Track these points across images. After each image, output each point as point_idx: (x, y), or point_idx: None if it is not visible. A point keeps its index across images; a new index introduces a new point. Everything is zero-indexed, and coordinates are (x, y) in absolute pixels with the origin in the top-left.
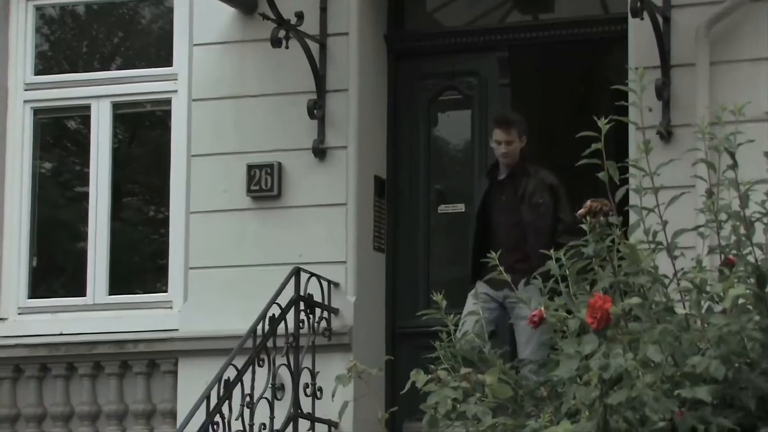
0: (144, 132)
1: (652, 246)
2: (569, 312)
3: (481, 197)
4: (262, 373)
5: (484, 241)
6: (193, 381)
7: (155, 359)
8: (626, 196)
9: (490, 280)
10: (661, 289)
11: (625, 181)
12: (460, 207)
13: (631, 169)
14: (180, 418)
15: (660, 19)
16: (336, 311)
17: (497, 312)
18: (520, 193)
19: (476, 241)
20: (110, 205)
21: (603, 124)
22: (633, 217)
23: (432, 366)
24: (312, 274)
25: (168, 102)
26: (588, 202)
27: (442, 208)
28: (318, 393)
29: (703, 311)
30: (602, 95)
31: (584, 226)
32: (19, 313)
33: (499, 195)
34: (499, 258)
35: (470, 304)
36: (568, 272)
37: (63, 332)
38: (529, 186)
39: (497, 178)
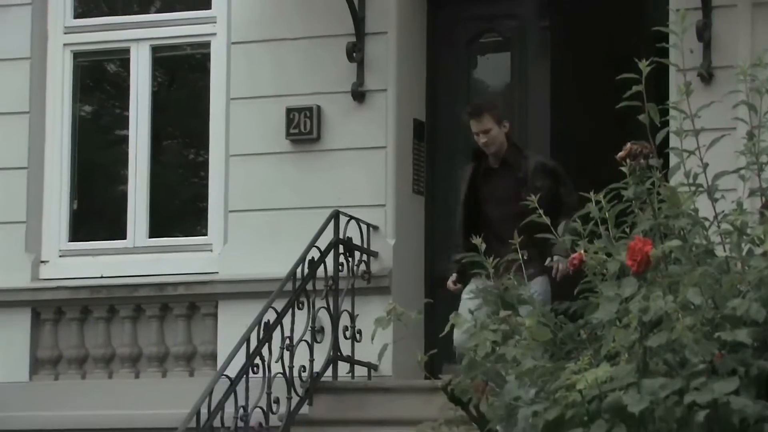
0: (183, 75)
1: (693, 188)
2: (609, 255)
3: (467, 184)
4: (301, 316)
5: (473, 232)
6: (233, 324)
7: (195, 302)
8: (666, 139)
9: (487, 275)
10: (701, 231)
11: (666, 124)
12: None
13: (672, 112)
14: (220, 361)
15: None
16: (375, 254)
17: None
18: (521, 176)
19: (465, 231)
20: (150, 148)
21: (644, 66)
22: (673, 160)
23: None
24: (351, 217)
25: (207, 45)
26: (628, 145)
27: None
28: (357, 336)
29: (743, 254)
30: (643, 37)
31: (624, 169)
32: (60, 256)
33: (494, 184)
34: (497, 251)
35: (467, 302)
36: (607, 215)
37: (104, 275)
38: (529, 170)
39: (488, 167)
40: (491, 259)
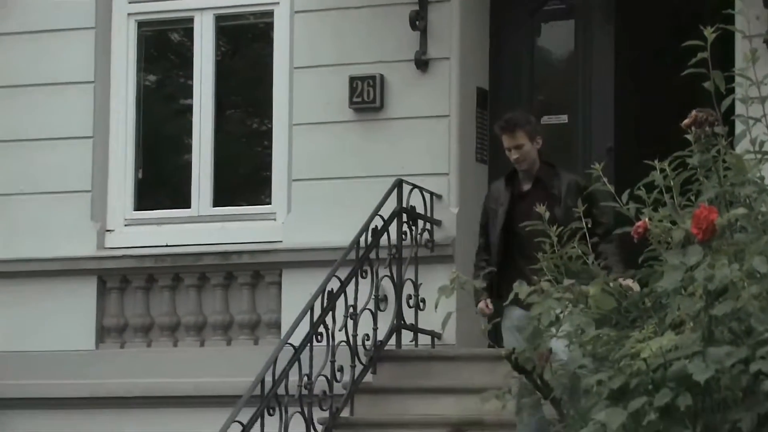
0: (246, 44)
1: (759, 156)
2: (674, 223)
3: (505, 208)
4: (365, 285)
5: (504, 257)
6: (297, 292)
7: (259, 270)
8: (732, 106)
9: (521, 302)
10: (767, 199)
11: (731, 91)
12: (563, 118)
13: (737, 79)
14: (284, 329)
15: None
16: (438, 223)
17: None
18: (555, 194)
19: (500, 258)
20: (214, 117)
21: (709, 33)
22: (739, 127)
23: (535, 277)
24: (414, 186)
25: (270, 14)
26: (693, 112)
27: (545, 119)
28: (421, 304)
29: None
30: (708, 4)
31: (689, 137)
32: (125, 225)
33: (527, 204)
34: (532, 275)
35: (513, 335)
36: (672, 183)
37: (168, 244)
38: (562, 188)
39: (520, 189)
40: (522, 284)
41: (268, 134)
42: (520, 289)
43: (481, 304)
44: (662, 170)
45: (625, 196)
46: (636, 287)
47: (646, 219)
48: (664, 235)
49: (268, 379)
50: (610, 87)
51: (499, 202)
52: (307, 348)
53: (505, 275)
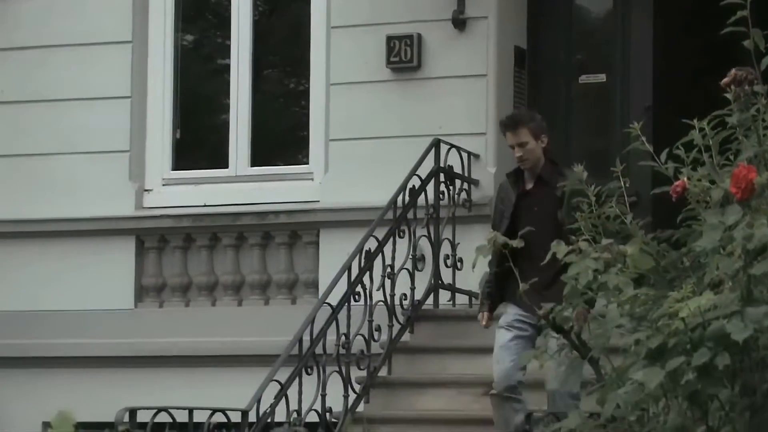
0: (284, 4)
1: None
2: (712, 182)
3: (510, 210)
4: (402, 244)
5: (505, 258)
6: (335, 252)
7: (297, 230)
8: None
9: (523, 302)
10: None
11: None
12: (602, 77)
13: None
14: (322, 289)
15: None
16: (476, 182)
17: (533, 337)
18: (559, 195)
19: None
20: (251, 77)
21: None
22: None
23: (573, 237)
24: (452, 146)
25: None
26: (732, 71)
27: (583, 78)
28: (458, 264)
29: None
30: None
31: (728, 95)
32: (163, 185)
33: (529, 206)
34: (534, 277)
35: (503, 335)
36: (711, 142)
37: (206, 203)
38: (567, 187)
39: (524, 188)
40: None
41: (305, 94)
42: (558, 248)
43: (479, 317)
44: (701, 129)
45: (663, 156)
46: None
47: (685, 178)
48: (702, 194)
49: (306, 338)
50: (648, 45)
51: (505, 202)
52: (345, 307)
53: (509, 277)
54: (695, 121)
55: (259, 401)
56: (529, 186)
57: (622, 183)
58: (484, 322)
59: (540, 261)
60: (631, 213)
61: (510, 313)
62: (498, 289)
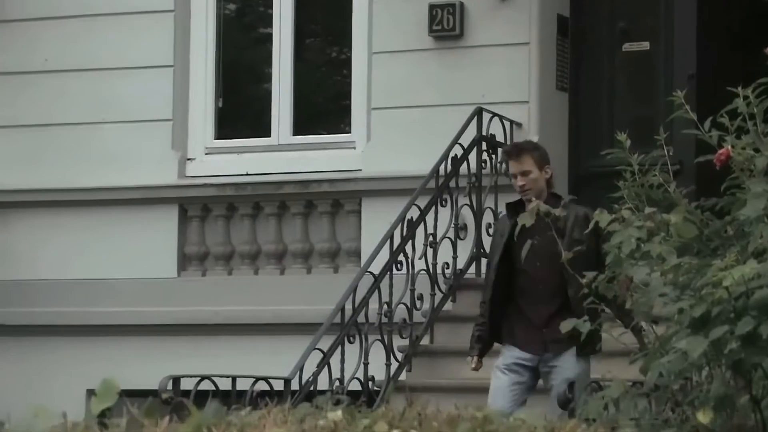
0: None
1: None
2: (757, 150)
3: (503, 244)
4: (444, 213)
5: (501, 296)
6: (377, 220)
7: (339, 199)
8: None
9: (521, 343)
10: None
11: None
12: (645, 45)
13: None
14: (364, 258)
15: None
16: None
17: (529, 383)
18: (560, 227)
19: (493, 294)
20: (293, 46)
21: None
22: None
23: (616, 206)
24: (494, 114)
25: None
26: None
27: (627, 47)
28: None
29: None
30: None
31: None
32: (206, 154)
33: (528, 238)
34: (535, 316)
35: (500, 379)
36: (755, 110)
37: (249, 172)
38: (568, 220)
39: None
40: (521, 330)
41: (347, 62)
42: (601, 217)
43: (468, 360)
44: (745, 97)
45: (707, 124)
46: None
47: (729, 146)
48: (746, 162)
49: (348, 307)
50: (692, 13)
51: (504, 233)
52: (387, 276)
53: (506, 314)
54: (739, 88)
55: (301, 370)
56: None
57: (666, 151)
58: (473, 366)
59: (538, 297)
60: (674, 181)
61: (507, 355)
62: (491, 329)
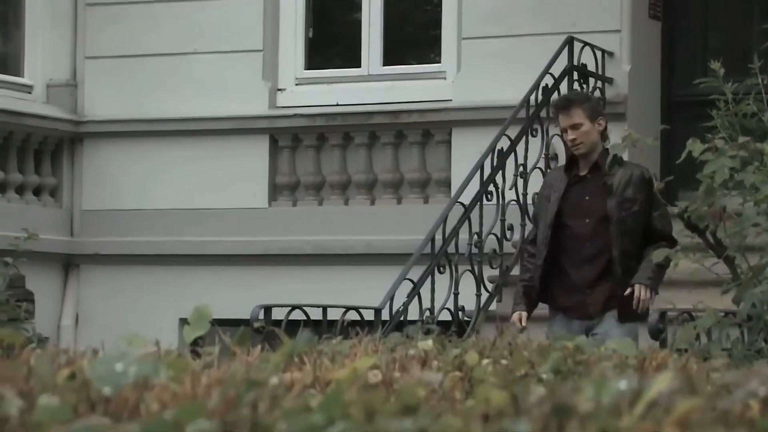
0: None
1: None
2: None
3: (559, 195)
4: (535, 143)
5: (552, 253)
6: (467, 151)
7: (429, 129)
8: None
9: (565, 309)
10: None
11: None
12: None
13: None
14: (454, 187)
15: None
16: (610, 81)
17: None
18: (610, 183)
19: (547, 252)
20: None
21: None
22: None
23: (709, 135)
24: (585, 44)
25: None
26: None
27: None
28: None
29: None
30: None
31: None
32: (296, 84)
33: (579, 195)
34: (578, 276)
35: None
36: None
37: (339, 103)
38: (623, 177)
39: (576, 174)
40: (563, 293)
41: None
42: (694, 146)
43: (515, 317)
44: None
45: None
46: (645, 303)
47: None
48: None
49: (438, 237)
50: None
51: (554, 188)
52: (477, 206)
53: (550, 275)
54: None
55: (392, 299)
56: (583, 172)
57: (760, 80)
58: (522, 324)
59: (584, 257)
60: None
61: (556, 325)
62: (540, 288)
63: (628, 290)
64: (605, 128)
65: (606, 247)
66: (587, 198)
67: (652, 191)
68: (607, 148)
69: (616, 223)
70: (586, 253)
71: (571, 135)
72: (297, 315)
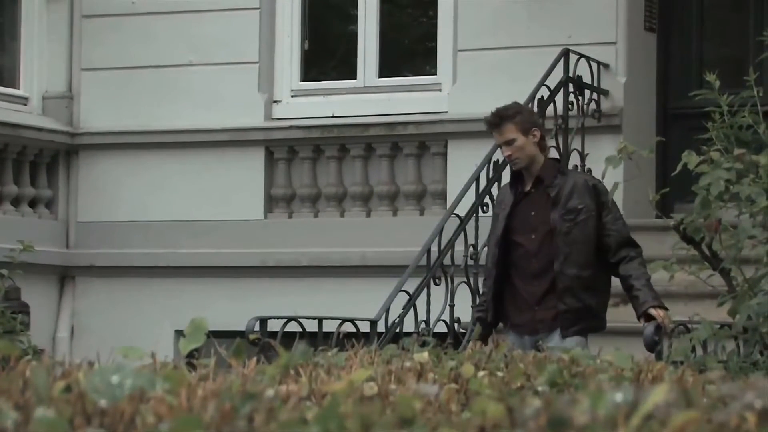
0: None
1: None
2: None
3: (506, 212)
4: None
5: (500, 274)
6: (463, 162)
7: (425, 141)
8: None
9: (517, 326)
10: None
11: None
12: None
13: None
14: (450, 199)
15: None
16: (606, 92)
17: None
18: (554, 195)
19: (496, 271)
20: None
21: None
22: None
23: (704, 147)
24: (581, 56)
25: None
26: None
27: None
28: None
29: None
30: None
31: None
32: (292, 96)
33: (526, 210)
34: (528, 293)
35: None
36: None
37: (335, 114)
38: (565, 187)
39: (522, 190)
40: (514, 310)
41: (433, 4)
42: (690, 158)
43: (471, 346)
44: None
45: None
46: (668, 320)
47: None
48: None
49: (434, 249)
50: None
51: (502, 206)
52: (473, 218)
53: (503, 294)
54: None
55: (387, 311)
56: (527, 187)
57: (755, 92)
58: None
59: (532, 273)
60: (764, 122)
61: (508, 343)
62: (494, 308)
63: (643, 323)
64: (542, 138)
65: (552, 261)
66: (533, 213)
67: (601, 198)
68: (551, 159)
69: (560, 234)
70: (534, 269)
71: (506, 151)
72: (293, 327)
